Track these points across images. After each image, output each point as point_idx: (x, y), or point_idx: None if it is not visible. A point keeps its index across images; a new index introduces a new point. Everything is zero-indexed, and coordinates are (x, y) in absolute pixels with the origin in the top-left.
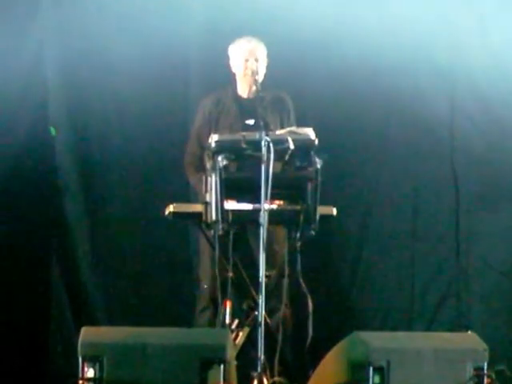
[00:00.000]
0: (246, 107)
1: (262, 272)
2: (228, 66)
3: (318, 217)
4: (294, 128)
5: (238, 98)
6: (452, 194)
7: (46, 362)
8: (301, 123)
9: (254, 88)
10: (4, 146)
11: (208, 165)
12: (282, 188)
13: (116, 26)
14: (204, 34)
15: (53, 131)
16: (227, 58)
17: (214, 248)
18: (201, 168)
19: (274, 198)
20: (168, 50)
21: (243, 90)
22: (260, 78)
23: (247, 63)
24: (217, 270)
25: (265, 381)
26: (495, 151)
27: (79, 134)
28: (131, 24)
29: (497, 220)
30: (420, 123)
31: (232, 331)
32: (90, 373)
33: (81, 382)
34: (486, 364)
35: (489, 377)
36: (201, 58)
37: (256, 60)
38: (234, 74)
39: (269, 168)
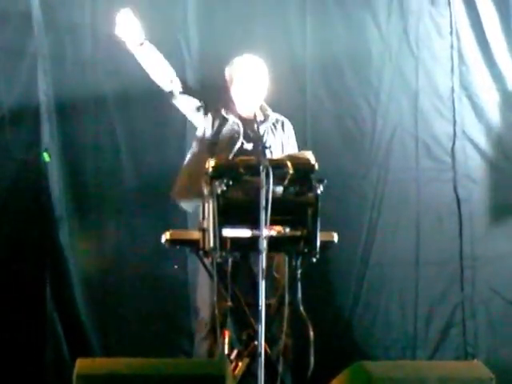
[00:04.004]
0: (245, 129)
1: (262, 300)
2: (223, 89)
3: (318, 243)
4: (293, 152)
5: (236, 120)
6: (455, 218)
7: None
8: (301, 148)
9: (254, 109)
10: None
11: (205, 190)
12: (282, 214)
13: (109, 53)
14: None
15: (46, 157)
16: (223, 80)
17: (212, 276)
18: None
19: (273, 223)
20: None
21: (243, 110)
22: (262, 98)
23: (252, 79)
24: (215, 299)
25: None
26: (498, 174)
27: (72, 160)
28: (126, 51)
29: (502, 245)
30: (421, 146)
31: (231, 361)
32: None
33: None
34: None
35: None
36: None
37: (260, 77)
38: (230, 96)
39: (268, 193)
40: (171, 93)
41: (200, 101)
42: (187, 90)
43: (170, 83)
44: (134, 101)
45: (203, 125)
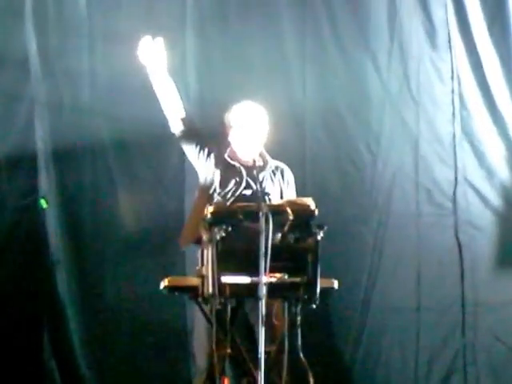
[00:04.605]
0: (244, 175)
1: (262, 348)
2: (223, 135)
3: (318, 290)
4: (293, 198)
5: (240, 166)
6: (456, 264)
7: None
8: (300, 194)
9: (254, 155)
10: None
11: (204, 237)
12: (282, 260)
13: (107, 99)
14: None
15: (43, 204)
16: (222, 126)
17: (210, 323)
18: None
19: (273, 270)
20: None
21: (242, 157)
22: (261, 145)
23: (252, 125)
24: (214, 346)
25: None
26: (500, 220)
27: (70, 207)
28: (124, 98)
29: (504, 291)
30: (422, 191)
31: None
32: None
33: None
34: None
35: None
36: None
37: (260, 123)
38: (229, 142)
39: (267, 240)
40: (175, 134)
41: (203, 145)
42: (193, 132)
43: (179, 121)
44: (133, 146)
45: (205, 170)
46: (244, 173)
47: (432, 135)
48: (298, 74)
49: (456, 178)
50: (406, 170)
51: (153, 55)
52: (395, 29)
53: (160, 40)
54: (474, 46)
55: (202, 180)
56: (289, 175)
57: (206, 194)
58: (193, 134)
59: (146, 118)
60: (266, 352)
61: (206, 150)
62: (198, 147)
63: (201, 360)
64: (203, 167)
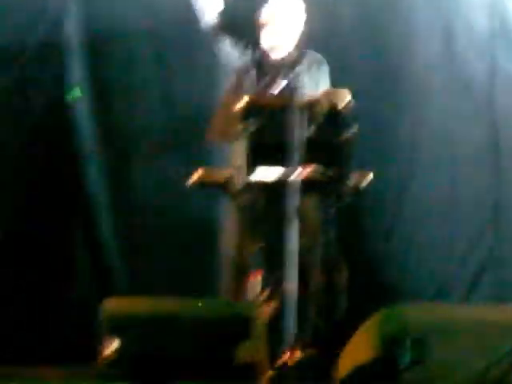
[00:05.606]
0: (279, 67)
1: (294, 241)
2: (258, 27)
3: (352, 183)
4: (328, 89)
5: (275, 59)
6: (493, 160)
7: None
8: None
9: (289, 48)
10: (22, 112)
11: (236, 129)
12: (315, 153)
13: None
14: None
15: (75, 93)
16: (258, 19)
17: (241, 217)
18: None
19: (306, 163)
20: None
21: (275, 47)
22: (296, 38)
23: (285, 20)
24: (244, 241)
25: (296, 354)
26: None
27: (102, 97)
28: None
29: None
30: (459, 87)
31: (261, 303)
32: (113, 347)
33: (105, 356)
34: None
35: None
36: None
37: (294, 18)
38: (265, 35)
39: (301, 132)
40: (212, 26)
41: (240, 36)
42: (229, 24)
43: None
44: (166, 35)
45: (241, 59)
46: (278, 67)
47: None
48: None
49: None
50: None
51: None
52: None
53: None
54: None
55: (233, 74)
56: (324, 68)
57: (237, 87)
58: (230, 25)
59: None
60: (299, 246)
61: (244, 40)
62: (236, 37)
63: (230, 255)
64: (240, 56)
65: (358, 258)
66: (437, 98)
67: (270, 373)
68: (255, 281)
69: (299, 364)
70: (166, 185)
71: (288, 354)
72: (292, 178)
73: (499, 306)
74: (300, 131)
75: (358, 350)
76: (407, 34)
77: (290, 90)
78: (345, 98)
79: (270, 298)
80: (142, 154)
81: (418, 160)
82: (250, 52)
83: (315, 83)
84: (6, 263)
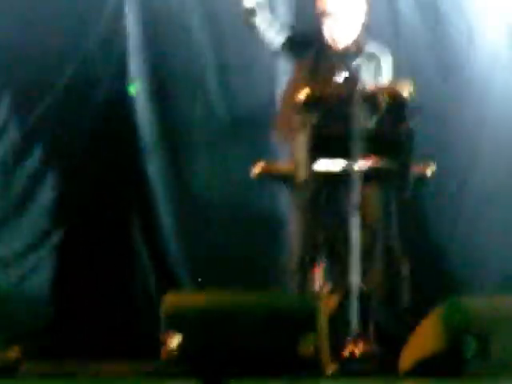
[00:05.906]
0: (338, 59)
1: (356, 234)
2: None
3: (413, 176)
4: (390, 81)
5: (328, 49)
6: None
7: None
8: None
9: (349, 41)
10: (83, 106)
11: (297, 122)
12: (376, 145)
13: None
14: None
15: (133, 89)
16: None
17: (304, 209)
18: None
19: (367, 155)
20: None
21: (334, 38)
22: (357, 30)
23: (345, 11)
24: (307, 233)
25: (359, 347)
26: None
27: (161, 92)
28: None
29: None
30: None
31: (324, 296)
32: (174, 341)
33: (167, 351)
34: None
35: None
36: None
37: (354, 9)
38: (324, 28)
39: (362, 125)
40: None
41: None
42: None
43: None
44: (226, 28)
45: (298, 58)
46: (339, 58)
47: None
48: None
49: None
50: None
51: None
52: None
53: None
54: None
55: (293, 68)
56: (385, 60)
57: (297, 81)
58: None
59: None
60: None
61: (301, 39)
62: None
63: (294, 247)
64: (295, 55)
65: (421, 249)
66: (499, 88)
67: (334, 365)
68: (319, 273)
69: (362, 356)
70: (228, 176)
71: (351, 346)
72: (354, 169)
73: None
74: (362, 122)
75: (423, 342)
76: (468, 25)
77: (351, 81)
78: (407, 89)
79: (333, 291)
80: (203, 146)
81: (480, 150)
82: (311, 42)
83: (377, 74)
84: (69, 259)
